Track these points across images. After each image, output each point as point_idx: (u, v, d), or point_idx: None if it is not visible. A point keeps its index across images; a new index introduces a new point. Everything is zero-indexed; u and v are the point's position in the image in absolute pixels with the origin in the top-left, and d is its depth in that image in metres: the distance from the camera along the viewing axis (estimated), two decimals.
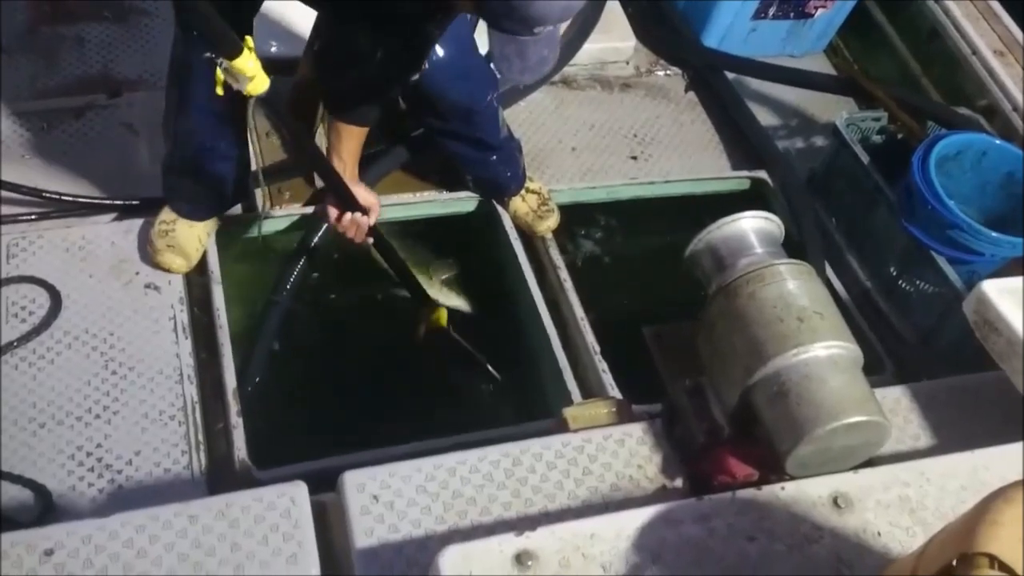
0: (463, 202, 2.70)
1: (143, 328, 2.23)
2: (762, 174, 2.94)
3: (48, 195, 2.42)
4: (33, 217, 2.42)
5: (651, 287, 2.79)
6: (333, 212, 2.19)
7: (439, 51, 2.22)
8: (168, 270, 2.32)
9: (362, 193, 2.21)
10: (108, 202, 2.47)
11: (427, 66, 2.18)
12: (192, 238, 2.33)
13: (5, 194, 2.41)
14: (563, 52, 3.11)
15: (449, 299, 2.63)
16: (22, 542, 1.42)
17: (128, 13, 2.98)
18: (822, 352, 1.54)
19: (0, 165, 2.47)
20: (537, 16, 1.59)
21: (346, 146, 2.15)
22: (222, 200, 2.37)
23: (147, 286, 2.31)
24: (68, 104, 2.71)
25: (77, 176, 2.54)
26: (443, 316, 2.42)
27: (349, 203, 2.16)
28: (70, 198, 2.44)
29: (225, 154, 2.22)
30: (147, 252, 2.33)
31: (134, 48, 2.90)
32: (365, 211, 2.20)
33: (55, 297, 2.23)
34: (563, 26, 1.85)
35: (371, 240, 2.29)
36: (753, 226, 1.72)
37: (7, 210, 2.41)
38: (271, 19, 2.77)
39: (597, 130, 3.05)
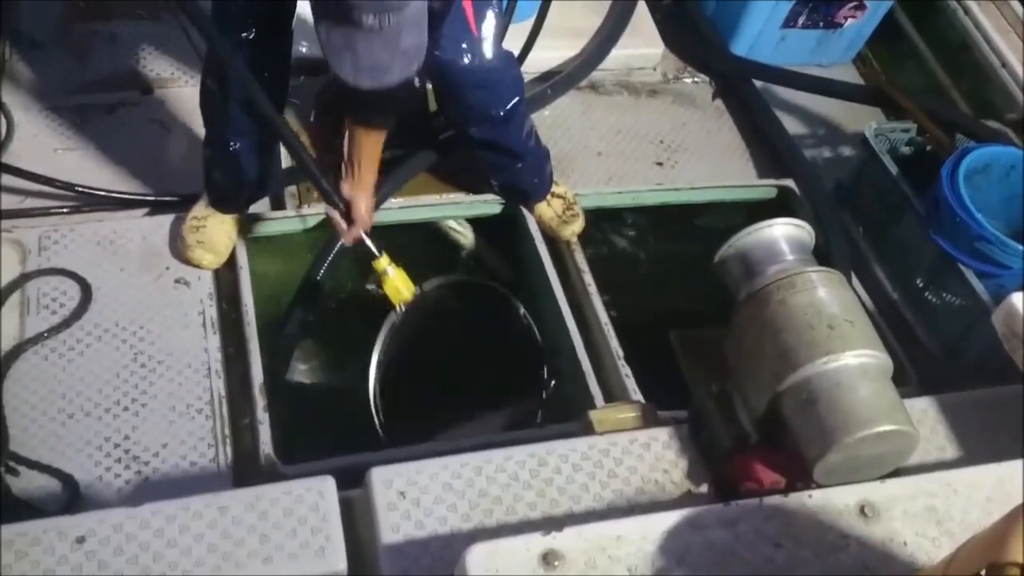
0: (488, 205, 2.71)
1: (172, 322, 2.25)
2: (789, 183, 2.93)
3: (80, 189, 2.46)
4: (65, 211, 2.45)
5: (675, 293, 2.78)
6: (333, 213, 2.13)
7: (464, 58, 2.20)
8: (198, 266, 2.34)
9: (362, 204, 2.10)
10: (140, 197, 2.50)
11: (440, 55, 2.12)
12: (222, 234, 2.35)
13: (38, 187, 2.44)
14: (590, 56, 3.14)
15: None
16: (54, 529, 1.45)
17: (161, 10, 3.01)
18: (852, 360, 1.54)
19: (34, 159, 2.51)
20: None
21: (362, 152, 2.05)
22: (252, 193, 2.38)
23: (177, 281, 2.33)
24: (101, 100, 2.74)
25: (109, 171, 2.57)
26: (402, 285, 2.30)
27: (333, 203, 2.10)
28: (102, 192, 2.48)
29: (256, 147, 2.23)
30: (177, 247, 2.35)
31: (167, 45, 2.92)
32: (350, 219, 2.11)
33: (86, 290, 2.26)
34: (408, 35, 1.74)
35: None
36: (784, 233, 1.72)
37: (40, 203, 2.45)
38: (303, 20, 2.78)
39: (623, 136, 3.04)
